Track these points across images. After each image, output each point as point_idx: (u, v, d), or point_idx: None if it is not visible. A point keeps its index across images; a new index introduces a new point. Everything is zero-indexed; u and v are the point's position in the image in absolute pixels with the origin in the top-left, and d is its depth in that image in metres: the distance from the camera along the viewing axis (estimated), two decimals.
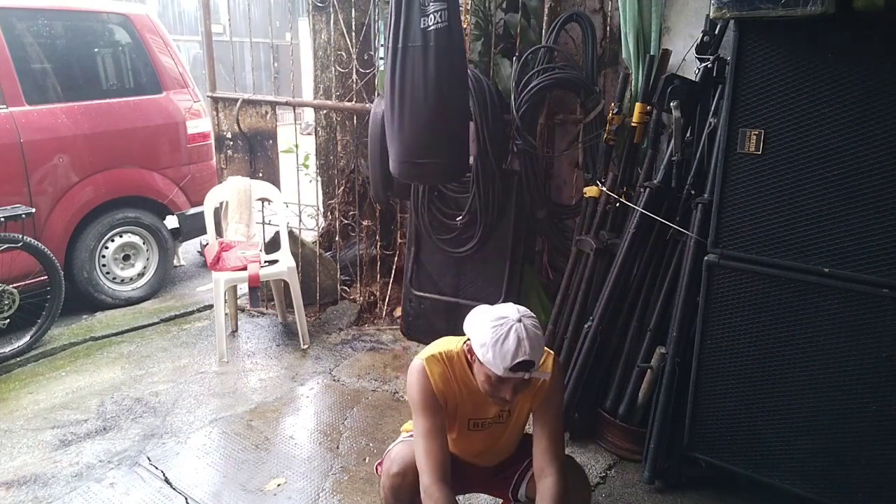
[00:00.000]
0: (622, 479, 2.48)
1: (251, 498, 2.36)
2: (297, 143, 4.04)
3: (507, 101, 3.09)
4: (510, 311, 1.62)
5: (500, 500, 2.10)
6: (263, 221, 4.04)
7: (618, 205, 2.74)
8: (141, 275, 4.38)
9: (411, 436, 1.81)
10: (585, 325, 2.67)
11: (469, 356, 1.71)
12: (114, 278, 4.24)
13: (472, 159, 3.15)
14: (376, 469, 1.95)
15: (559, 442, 1.77)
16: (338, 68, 3.91)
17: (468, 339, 1.67)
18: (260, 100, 3.93)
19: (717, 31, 2.49)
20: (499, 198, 3.16)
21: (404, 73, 2.72)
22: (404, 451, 1.80)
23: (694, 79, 2.50)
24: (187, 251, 5.33)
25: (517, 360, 1.54)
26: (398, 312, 3.81)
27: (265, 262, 3.49)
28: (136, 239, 4.32)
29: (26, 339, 3.50)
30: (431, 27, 2.65)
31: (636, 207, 2.55)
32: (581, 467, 1.95)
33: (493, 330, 1.57)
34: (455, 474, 1.88)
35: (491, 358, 1.56)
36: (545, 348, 1.77)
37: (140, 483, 2.44)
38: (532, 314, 1.64)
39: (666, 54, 2.77)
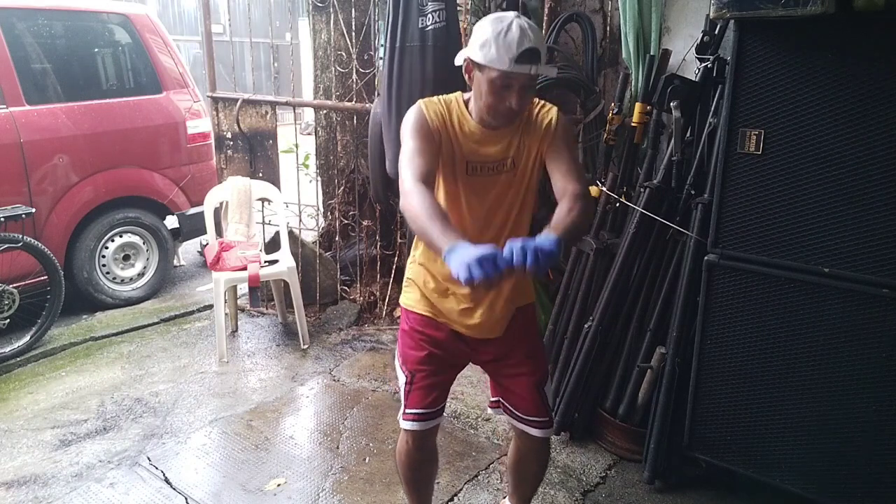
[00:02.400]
0: (622, 479, 2.48)
1: (251, 498, 2.36)
2: (297, 142, 4.04)
3: None
4: (507, 12, 1.55)
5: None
6: (263, 221, 4.04)
7: (618, 205, 2.74)
8: (141, 275, 4.38)
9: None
10: (585, 325, 2.67)
11: (467, 73, 1.61)
12: (114, 278, 4.24)
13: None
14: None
15: (576, 165, 1.66)
16: (338, 68, 3.91)
17: (463, 60, 1.61)
18: (260, 100, 3.93)
19: (717, 31, 2.49)
20: None
21: (402, 73, 2.72)
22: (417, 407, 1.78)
23: (694, 79, 2.50)
24: (187, 251, 5.33)
25: (523, 48, 1.48)
26: (398, 312, 3.80)
27: (265, 262, 3.49)
28: (136, 239, 4.32)
29: (26, 339, 3.50)
30: (429, 27, 2.65)
31: (636, 207, 2.55)
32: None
33: (492, 26, 1.51)
34: (453, 350, 1.79)
35: (495, 52, 1.49)
36: (549, 105, 1.72)
37: (140, 483, 2.43)
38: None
39: (666, 54, 2.77)
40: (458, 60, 1.65)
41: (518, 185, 1.72)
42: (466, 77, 1.64)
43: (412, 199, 1.48)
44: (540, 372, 1.84)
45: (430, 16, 2.65)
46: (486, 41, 1.51)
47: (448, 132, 1.66)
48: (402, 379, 1.83)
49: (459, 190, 1.70)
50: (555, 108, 1.72)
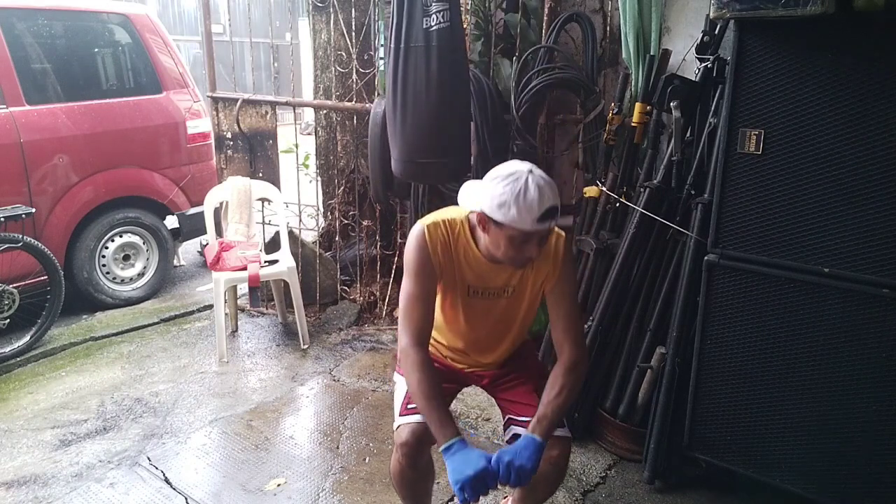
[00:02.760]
0: (622, 479, 2.48)
1: (251, 498, 2.36)
2: (297, 142, 4.04)
3: (507, 101, 3.09)
4: (516, 165, 1.57)
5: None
6: (263, 221, 4.04)
7: (618, 205, 2.74)
8: (141, 275, 4.38)
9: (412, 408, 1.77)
10: (585, 326, 2.67)
11: (480, 225, 1.64)
12: (114, 278, 4.24)
13: (472, 159, 3.15)
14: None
15: (576, 322, 1.76)
16: (338, 68, 3.91)
17: (471, 212, 1.65)
18: (260, 100, 3.93)
19: (717, 31, 2.49)
20: None
21: (406, 73, 2.72)
22: (413, 425, 1.76)
23: (694, 79, 2.50)
24: (187, 251, 5.33)
25: (545, 208, 1.51)
26: (398, 312, 3.80)
27: (265, 262, 3.49)
28: (136, 239, 4.32)
29: (26, 339, 3.50)
30: (434, 27, 2.65)
31: (636, 207, 2.55)
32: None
33: (509, 187, 1.51)
34: (452, 377, 1.90)
35: (516, 214, 1.50)
36: (557, 230, 1.76)
37: (140, 483, 2.43)
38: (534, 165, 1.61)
39: (666, 54, 2.77)
40: (470, 205, 1.65)
41: (517, 309, 1.82)
42: (480, 228, 1.66)
43: (410, 368, 1.62)
44: (536, 377, 1.89)
45: (434, 16, 2.65)
46: (506, 202, 1.51)
47: (451, 260, 1.72)
48: (402, 384, 1.83)
49: (459, 307, 1.80)
50: (562, 238, 1.76)
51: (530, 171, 1.54)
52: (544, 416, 1.65)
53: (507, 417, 1.90)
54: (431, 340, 1.87)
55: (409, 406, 1.79)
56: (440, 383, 1.67)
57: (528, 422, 1.75)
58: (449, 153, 2.86)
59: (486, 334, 1.85)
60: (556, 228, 1.74)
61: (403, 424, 1.75)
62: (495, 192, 1.53)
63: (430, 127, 2.76)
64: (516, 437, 1.85)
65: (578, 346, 1.74)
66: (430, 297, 1.70)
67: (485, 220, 1.60)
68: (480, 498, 1.52)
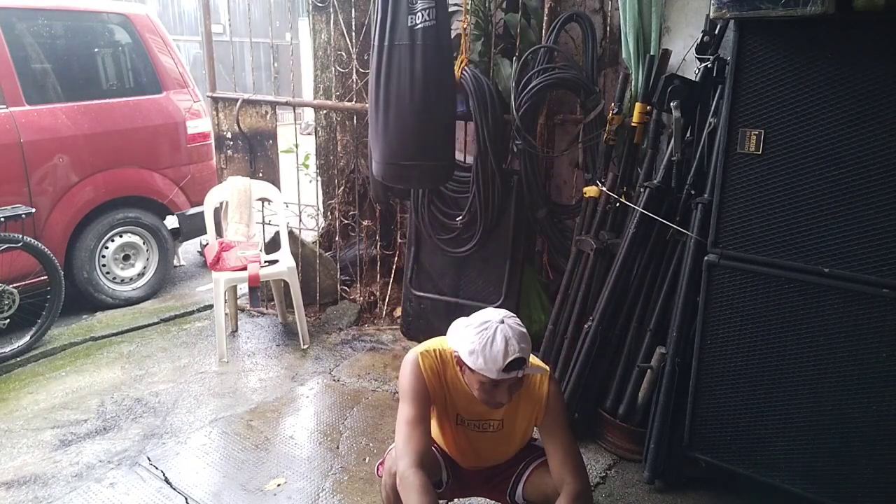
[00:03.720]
0: (622, 479, 2.48)
1: (251, 498, 2.36)
2: (297, 142, 4.04)
3: (507, 101, 3.09)
4: (491, 314, 1.65)
5: None
6: (263, 221, 4.03)
7: (618, 205, 2.74)
8: (141, 275, 4.38)
9: None
10: (585, 325, 2.67)
11: (458, 366, 1.73)
12: (114, 278, 4.24)
13: (471, 159, 3.15)
14: (377, 470, 1.95)
15: (573, 452, 1.77)
16: (338, 68, 3.91)
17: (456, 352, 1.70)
18: (260, 100, 3.93)
19: (717, 31, 2.49)
20: (499, 198, 3.16)
21: (390, 72, 2.68)
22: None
23: (694, 79, 2.50)
24: (187, 251, 5.33)
25: (508, 360, 1.56)
26: (398, 312, 3.81)
27: (265, 262, 3.49)
28: (136, 239, 4.32)
29: (26, 339, 3.50)
30: (419, 25, 2.62)
31: (636, 207, 2.55)
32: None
33: (478, 336, 1.59)
34: (452, 476, 1.90)
35: (483, 363, 1.58)
36: (542, 364, 1.82)
37: (140, 483, 2.43)
38: (513, 314, 1.68)
39: (666, 54, 2.77)
40: (453, 344, 1.69)
41: (507, 443, 1.87)
42: (458, 368, 1.74)
43: (410, 491, 1.60)
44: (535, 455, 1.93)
45: (419, 14, 2.61)
46: (474, 351, 1.59)
47: (441, 387, 1.79)
48: None
49: (450, 433, 1.87)
50: (546, 378, 1.80)
51: (501, 322, 1.61)
52: None
53: (507, 495, 1.92)
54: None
55: None
56: None
57: (523, 469, 1.86)
58: (432, 156, 2.80)
59: (479, 459, 1.92)
60: (542, 366, 1.80)
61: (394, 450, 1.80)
62: (467, 339, 1.62)
63: (413, 128, 2.70)
64: (525, 499, 1.88)
65: (579, 477, 1.72)
66: (425, 419, 1.74)
67: (461, 362, 1.67)
68: None
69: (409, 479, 1.61)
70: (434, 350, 1.80)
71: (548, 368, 1.84)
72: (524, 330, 1.64)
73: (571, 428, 1.83)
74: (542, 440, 1.82)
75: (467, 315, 1.73)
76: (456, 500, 2.14)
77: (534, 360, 1.76)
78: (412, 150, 2.76)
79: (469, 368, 1.64)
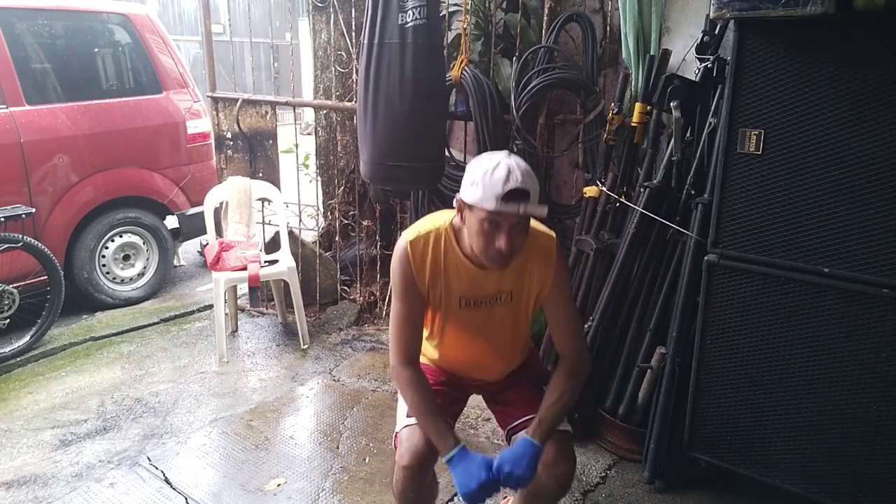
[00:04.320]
0: (622, 479, 2.48)
1: (251, 498, 2.36)
2: (297, 142, 4.04)
3: (507, 101, 3.09)
4: (499, 154, 1.54)
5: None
6: (263, 221, 4.04)
7: (618, 205, 2.74)
8: (141, 275, 4.38)
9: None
10: (585, 325, 2.67)
11: (459, 213, 1.61)
12: (114, 278, 4.24)
13: (471, 159, 3.14)
14: (394, 442, 1.84)
15: (576, 326, 1.76)
16: (338, 68, 3.91)
17: (456, 214, 1.63)
18: (260, 100, 3.93)
19: (717, 31, 2.49)
20: None
21: (380, 71, 2.64)
22: (413, 440, 1.70)
23: (694, 79, 2.50)
24: (187, 251, 5.33)
25: (508, 188, 1.45)
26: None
27: (265, 262, 3.49)
28: (136, 239, 4.32)
29: (26, 339, 3.50)
30: (409, 23, 2.59)
31: (636, 207, 2.55)
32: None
33: (482, 167, 1.50)
34: (451, 392, 1.87)
35: (481, 192, 1.47)
36: (547, 231, 1.72)
37: (140, 483, 2.44)
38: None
39: (666, 54, 2.77)
40: (457, 225, 1.64)
41: (513, 319, 1.77)
42: (458, 216, 1.63)
43: (403, 387, 1.67)
44: (537, 380, 1.89)
45: (410, 12, 2.59)
46: (475, 181, 1.49)
47: (438, 272, 1.67)
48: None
49: (454, 323, 1.75)
50: (554, 240, 1.71)
51: (508, 156, 1.52)
52: (544, 420, 1.66)
53: (507, 429, 1.88)
54: (430, 364, 1.87)
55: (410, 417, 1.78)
56: (434, 397, 1.69)
57: (529, 421, 1.74)
58: (422, 157, 2.74)
59: (484, 352, 1.81)
60: (548, 231, 1.72)
61: (405, 439, 1.71)
62: (469, 173, 1.53)
63: (402, 128, 2.64)
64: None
65: (580, 351, 1.75)
66: (416, 315, 1.69)
67: (462, 206, 1.57)
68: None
69: (402, 376, 1.67)
70: (426, 232, 1.67)
71: (552, 234, 1.73)
72: (532, 172, 1.53)
73: (573, 301, 1.81)
74: (546, 312, 1.77)
75: None
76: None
77: (549, 242, 1.70)
78: (401, 150, 2.71)
79: (468, 208, 1.54)
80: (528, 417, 1.78)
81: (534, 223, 1.67)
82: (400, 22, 2.58)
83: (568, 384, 1.71)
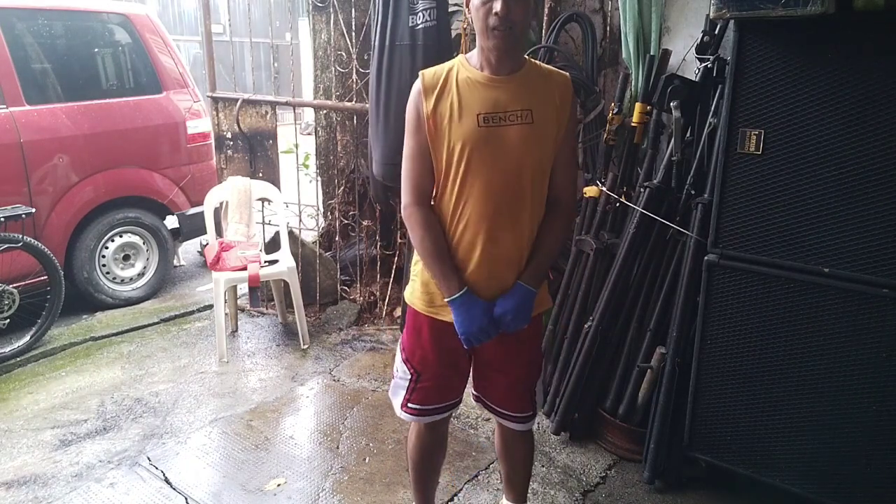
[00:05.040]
0: (622, 479, 2.48)
1: (251, 498, 2.36)
2: (296, 142, 4.04)
3: None
4: None
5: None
6: (263, 221, 4.04)
7: (618, 205, 2.74)
8: (141, 275, 4.38)
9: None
10: (585, 325, 2.67)
11: (466, 9, 1.66)
12: (114, 278, 4.24)
13: None
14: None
15: (573, 172, 1.80)
16: (338, 68, 3.91)
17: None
18: (260, 100, 3.93)
19: (717, 31, 2.49)
20: None
21: (391, 72, 2.68)
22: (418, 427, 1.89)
23: (694, 79, 2.50)
24: (187, 251, 5.33)
25: None
26: (398, 312, 3.81)
27: (265, 262, 3.49)
28: (136, 239, 4.32)
29: (26, 339, 3.50)
30: (420, 25, 2.62)
31: (636, 207, 2.55)
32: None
33: None
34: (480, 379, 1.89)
35: None
36: (562, 71, 1.75)
37: (140, 483, 2.44)
38: None
39: (666, 54, 2.77)
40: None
41: (539, 143, 1.64)
42: (466, 10, 1.66)
43: (414, 225, 1.68)
44: (524, 371, 1.86)
45: (420, 14, 2.62)
46: None
47: (454, 94, 1.62)
48: (403, 372, 1.84)
49: (474, 145, 1.60)
50: (568, 77, 1.74)
51: None
52: (539, 265, 1.71)
53: (477, 394, 1.95)
54: (453, 228, 1.69)
55: (410, 406, 1.83)
56: (443, 239, 1.68)
57: (499, 409, 1.87)
58: None
59: (508, 175, 1.63)
60: (563, 71, 1.75)
61: (406, 420, 1.87)
62: None
63: None
64: (502, 427, 1.92)
65: (573, 197, 1.80)
66: (425, 153, 1.66)
67: (467, 2, 1.62)
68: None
69: (414, 215, 1.68)
70: (440, 67, 1.71)
71: (571, 97, 1.72)
72: None
73: (576, 145, 1.82)
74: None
75: None
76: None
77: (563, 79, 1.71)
78: None
79: None
80: (514, 413, 1.86)
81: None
82: (411, 24, 2.61)
83: (561, 226, 1.76)
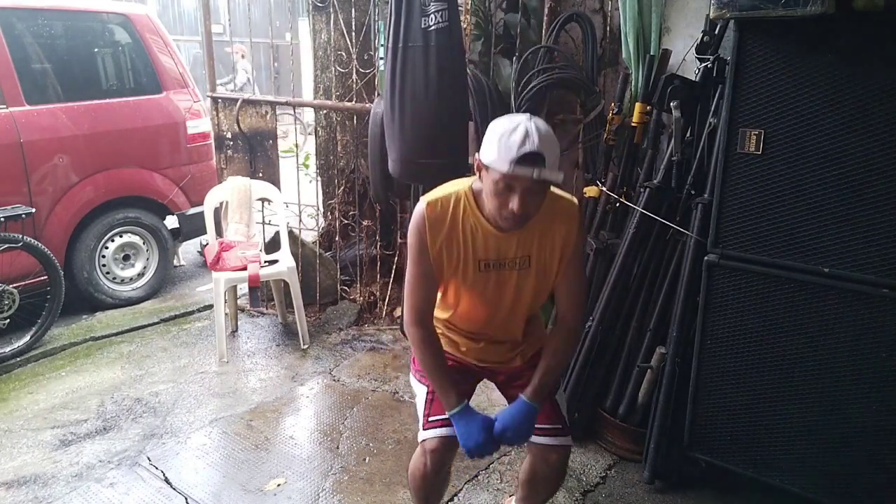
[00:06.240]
0: (622, 479, 2.48)
1: (251, 498, 2.36)
2: (296, 142, 4.04)
3: (507, 101, 3.09)
4: (520, 116, 1.51)
5: None
6: (263, 221, 4.04)
7: (618, 205, 2.74)
8: (141, 275, 4.38)
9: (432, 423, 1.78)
10: (585, 325, 2.67)
11: (477, 172, 1.60)
12: (114, 278, 4.24)
13: (472, 159, 3.15)
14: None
15: (581, 294, 1.81)
16: (338, 68, 3.91)
17: (476, 175, 1.63)
18: (260, 100, 3.93)
19: (717, 31, 2.49)
20: None
21: (405, 73, 2.72)
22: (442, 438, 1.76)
23: (694, 79, 2.50)
24: (187, 251, 5.33)
25: (523, 151, 1.43)
26: (398, 312, 3.81)
27: (265, 262, 3.49)
28: (136, 239, 4.32)
29: (26, 339, 3.50)
30: (432, 27, 2.65)
31: (636, 207, 2.55)
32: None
33: (500, 128, 1.48)
34: (466, 373, 1.90)
35: (496, 153, 1.46)
36: (570, 197, 1.71)
37: (140, 483, 2.43)
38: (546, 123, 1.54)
39: (666, 54, 2.77)
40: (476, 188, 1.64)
41: (536, 283, 1.74)
42: (478, 175, 1.61)
43: (414, 344, 1.72)
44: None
45: (432, 16, 2.65)
46: (492, 142, 1.48)
47: (457, 235, 1.66)
48: (421, 392, 1.83)
49: (472, 284, 1.72)
50: (575, 206, 1.71)
51: (529, 118, 1.49)
52: (542, 382, 1.71)
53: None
54: (444, 332, 1.86)
55: (431, 419, 1.77)
56: (442, 355, 1.75)
57: (538, 431, 1.78)
58: (447, 154, 2.85)
59: (500, 312, 1.77)
60: (571, 197, 1.71)
61: (430, 438, 1.75)
62: (489, 133, 1.52)
63: (428, 127, 2.76)
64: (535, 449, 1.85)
65: (579, 318, 1.81)
66: (429, 276, 1.69)
67: (480, 165, 1.56)
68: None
69: (413, 334, 1.72)
70: (445, 196, 1.66)
71: (575, 200, 1.71)
72: (552, 134, 1.51)
73: (584, 265, 1.83)
74: (557, 276, 1.75)
75: None
76: None
77: (570, 205, 1.69)
78: (428, 148, 2.81)
79: (485, 168, 1.52)
80: (540, 426, 1.80)
81: (557, 190, 1.68)
82: (423, 26, 2.64)
83: (565, 347, 1.78)
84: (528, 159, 1.44)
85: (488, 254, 1.67)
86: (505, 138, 1.45)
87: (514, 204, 1.50)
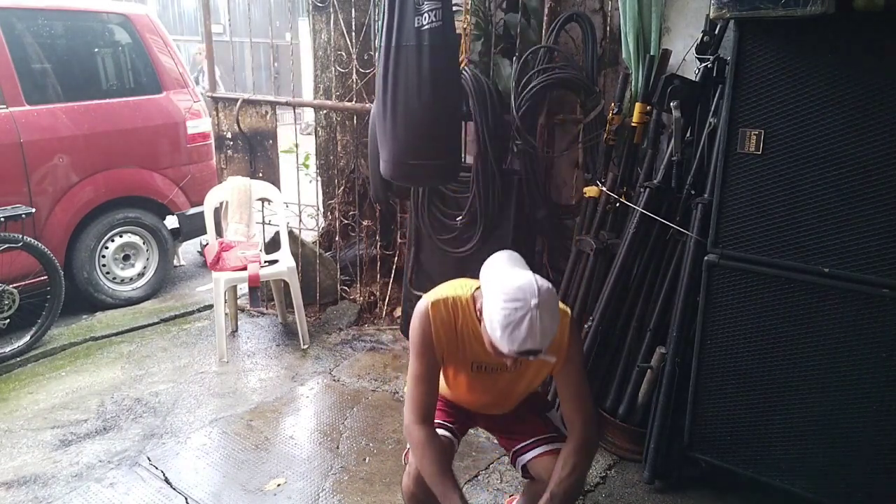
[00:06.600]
0: (622, 479, 2.48)
1: (251, 498, 2.36)
2: (296, 142, 4.04)
3: (507, 101, 3.09)
4: (528, 292, 1.48)
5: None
6: (263, 221, 4.04)
7: (618, 205, 2.74)
8: (141, 275, 4.38)
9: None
10: (585, 325, 2.67)
11: (478, 313, 1.64)
12: (114, 278, 4.24)
13: (471, 159, 3.15)
14: (404, 458, 1.92)
15: (587, 401, 1.77)
16: (338, 68, 3.91)
17: (478, 288, 1.65)
18: (260, 100, 3.93)
19: (717, 31, 2.49)
20: (499, 198, 3.16)
21: (398, 73, 2.69)
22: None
23: (694, 79, 2.50)
24: (187, 251, 5.33)
25: (525, 348, 1.48)
26: (398, 312, 3.81)
27: (265, 262, 3.49)
28: (136, 239, 4.32)
29: (26, 339, 3.50)
30: (426, 26, 2.63)
31: (636, 207, 2.55)
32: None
33: (505, 313, 1.47)
34: (461, 415, 1.94)
35: (499, 338, 1.49)
36: (563, 308, 1.70)
37: (140, 483, 2.44)
38: (551, 288, 1.54)
39: (666, 54, 2.77)
40: (482, 291, 1.62)
41: (523, 383, 1.83)
42: (477, 314, 1.67)
43: (415, 445, 1.70)
44: (540, 407, 1.96)
45: (426, 15, 2.63)
46: (497, 323, 1.49)
47: (455, 338, 1.73)
48: None
49: (464, 380, 1.82)
50: (567, 315, 1.73)
51: (536, 306, 1.47)
52: (555, 496, 1.66)
53: (512, 451, 1.91)
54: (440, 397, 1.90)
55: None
56: (443, 457, 1.70)
57: (533, 444, 1.82)
58: (440, 155, 2.81)
59: (491, 401, 1.89)
60: (563, 307, 1.72)
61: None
62: (495, 306, 1.50)
63: (421, 128, 2.72)
64: (526, 469, 1.86)
65: (589, 425, 1.74)
66: (432, 375, 1.73)
67: (482, 311, 1.59)
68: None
69: (414, 435, 1.69)
70: (448, 299, 1.71)
71: (567, 309, 1.76)
72: (557, 317, 1.53)
73: (585, 372, 1.82)
74: (557, 384, 1.79)
75: None
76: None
77: (560, 334, 1.68)
78: (421, 149, 2.78)
79: (486, 327, 1.56)
80: (533, 440, 1.84)
81: None
82: (416, 25, 2.62)
83: (580, 458, 1.71)
84: (528, 353, 1.51)
85: (481, 357, 1.74)
86: (508, 331, 1.47)
87: (507, 360, 1.59)
